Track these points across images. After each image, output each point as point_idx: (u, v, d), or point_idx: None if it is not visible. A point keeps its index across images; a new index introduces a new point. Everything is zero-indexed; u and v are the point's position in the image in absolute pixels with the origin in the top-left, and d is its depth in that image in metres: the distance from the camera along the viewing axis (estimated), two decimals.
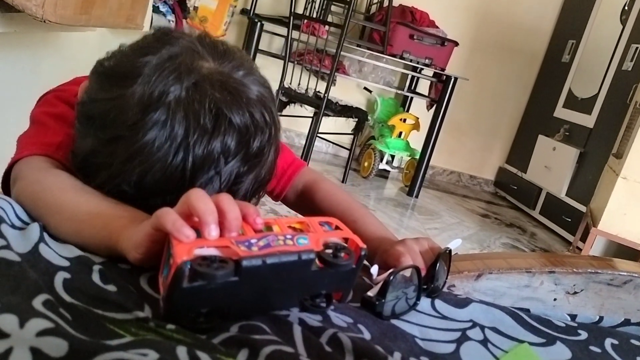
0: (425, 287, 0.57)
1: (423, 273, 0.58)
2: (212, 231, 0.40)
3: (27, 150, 0.58)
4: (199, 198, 0.41)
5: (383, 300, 0.52)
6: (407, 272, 0.56)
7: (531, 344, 0.55)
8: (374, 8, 3.59)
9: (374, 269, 0.59)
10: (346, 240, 0.47)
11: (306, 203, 0.78)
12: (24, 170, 0.57)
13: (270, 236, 0.42)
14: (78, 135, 0.55)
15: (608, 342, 0.60)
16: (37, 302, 0.37)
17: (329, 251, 0.44)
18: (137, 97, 0.51)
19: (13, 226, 0.48)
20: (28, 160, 0.58)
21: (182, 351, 0.35)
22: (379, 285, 0.53)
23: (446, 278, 0.62)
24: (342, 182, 3.08)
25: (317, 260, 0.43)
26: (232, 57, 0.57)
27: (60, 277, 0.42)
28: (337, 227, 0.48)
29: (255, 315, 0.44)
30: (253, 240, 0.41)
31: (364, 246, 0.45)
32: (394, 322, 0.53)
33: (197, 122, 0.51)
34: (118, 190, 0.52)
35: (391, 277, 0.52)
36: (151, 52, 0.53)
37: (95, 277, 0.44)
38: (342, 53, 2.87)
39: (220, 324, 0.42)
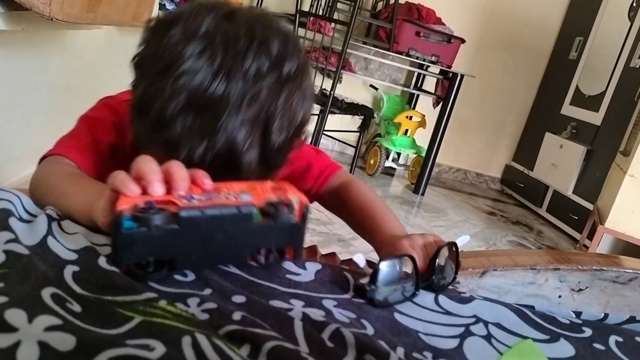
0: (426, 280, 0.58)
1: (423, 266, 0.59)
2: (156, 188, 0.43)
3: (53, 150, 0.67)
4: (143, 161, 0.45)
5: (373, 287, 0.53)
6: (408, 267, 0.56)
7: (535, 340, 0.55)
8: (380, 5, 3.58)
9: (357, 257, 0.59)
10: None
11: (339, 202, 0.81)
12: (42, 165, 0.65)
13: (214, 193, 0.44)
14: (133, 88, 0.61)
15: (612, 339, 0.60)
16: (46, 294, 0.37)
17: (271, 206, 0.45)
18: (179, 34, 0.56)
19: (21, 219, 0.48)
20: (50, 158, 0.65)
21: (187, 343, 0.35)
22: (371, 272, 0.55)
23: (455, 274, 0.62)
24: None
25: (259, 214, 0.44)
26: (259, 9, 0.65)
27: (69, 270, 0.43)
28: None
29: (206, 268, 0.47)
30: (196, 196, 0.43)
31: (307, 203, 0.46)
32: (397, 317, 0.53)
33: (234, 46, 0.56)
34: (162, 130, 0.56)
35: (380, 263, 0.53)
36: (189, 2, 0.61)
37: (103, 266, 0.45)
38: (348, 50, 2.86)
39: (170, 274, 0.45)
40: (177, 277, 0.47)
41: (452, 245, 0.62)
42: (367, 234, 0.74)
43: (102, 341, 0.34)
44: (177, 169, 0.45)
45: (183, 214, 0.41)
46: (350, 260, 0.60)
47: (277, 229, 0.45)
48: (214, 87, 0.54)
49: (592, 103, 3.21)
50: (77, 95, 1.82)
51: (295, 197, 0.47)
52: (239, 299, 0.46)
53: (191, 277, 0.48)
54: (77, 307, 0.38)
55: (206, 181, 0.46)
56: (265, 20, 0.60)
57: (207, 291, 0.46)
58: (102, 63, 1.97)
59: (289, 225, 0.46)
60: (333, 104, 2.92)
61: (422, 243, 0.63)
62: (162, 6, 2.23)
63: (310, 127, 3.54)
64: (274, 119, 0.58)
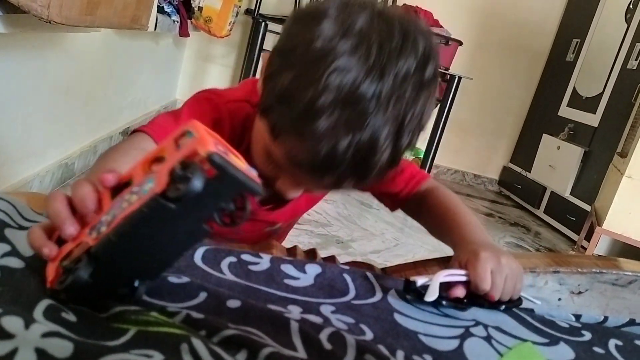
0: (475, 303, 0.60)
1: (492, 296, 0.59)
2: (66, 231, 0.40)
3: (144, 126, 0.66)
4: (47, 202, 0.42)
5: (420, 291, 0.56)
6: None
7: (534, 343, 0.56)
8: None
9: (420, 280, 0.58)
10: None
11: (422, 207, 0.81)
12: (124, 139, 0.66)
13: (117, 203, 0.40)
14: (272, 76, 0.60)
15: (612, 342, 0.60)
16: (38, 313, 0.37)
17: (175, 183, 0.37)
18: (332, 29, 0.56)
19: (20, 227, 0.48)
20: (135, 133, 0.65)
21: (185, 350, 0.35)
22: (432, 282, 0.56)
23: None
24: None
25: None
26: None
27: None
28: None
29: (176, 261, 0.44)
30: (103, 219, 0.40)
31: (211, 149, 0.37)
32: (397, 319, 0.53)
33: (389, 44, 0.55)
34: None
35: (437, 283, 0.56)
36: None
37: None
38: None
39: (147, 285, 0.42)
40: (172, 280, 0.47)
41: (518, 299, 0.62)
42: (447, 234, 0.72)
43: (100, 348, 0.34)
44: (74, 190, 0.42)
45: (98, 254, 0.39)
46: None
47: (203, 195, 0.37)
48: (365, 84, 0.54)
49: (589, 105, 3.22)
50: (77, 97, 1.81)
51: (195, 152, 0.37)
52: (234, 303, 0.46)
53: (185, 280, 0.48)
54: (72, 317, 0.38)
55: (109, 178, 0.41)
56: (412, 18, 0.60)
57: (203, 295, 0.46)
58: (101, 65, 1.97)
59: (211, 183, 0.37)
60: None
61: (506, 275, 0.60)
62: (160, 9, 2.23)
63: None
64: (409, 121, 0.58)
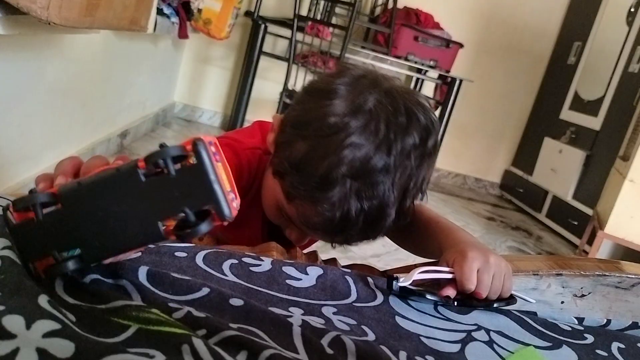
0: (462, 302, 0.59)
1: (479, 293, 0.60)
2: (56, 180, 0.42)
3: None
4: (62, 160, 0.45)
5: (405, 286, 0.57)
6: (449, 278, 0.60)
7: (537, 347, 0.55)
8: (378, 10, 3.59)
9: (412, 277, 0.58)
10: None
11: (405, 227, 0.80)
12: None
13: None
14: (286, 144, 0.66)
15: (614, 346, 0.59)
16: (43, 300, 0.36)
17: (154, 156, 0.37)
18: (345, 107, 0.63)
19: None
20: None
21: (186, 351, 0.34)
22: (412, 278, 0.57)
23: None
24: None
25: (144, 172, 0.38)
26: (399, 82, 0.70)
27: (59, 281, 0.42)
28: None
29: (122, 252, 0.41)
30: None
31: (201, 137, 0.37)
32: (399, 321, 0.53)
33: (395, 122, 0.62)
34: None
35: (416, 272, 0.57)
36: (346, 75, 0.68)
37: (94, 275, 0.44)
38: (346, 55, 2.87)
39: (78, 265, 0.40)
40: (174, 275, 0.47)
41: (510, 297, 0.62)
42: (433, 242, 0.72)
43: (101, 347, 0.33)
44: (89, 159, 0.44)
45: (60, 192, 0.38)
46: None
47: (173, 182, 0.37)
48: (375, 159, 0.60)
49: (591, 108, 3.22)
50: (75, 99, 1.81)
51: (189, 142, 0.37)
52: (237, 302, 0.45)
53: (189, 276, 0.48)
54: (71, 317, 0.38)
55: (120, 157, 0.43)
56: (413, 94, 0.67)
57: (206, 290, 0.46)
58: (99, 67, 1.97)
59: (186, 172, 0.37)
60: None
61: (494, 273, 0.61)
62: (159, 11, 2.23)
63: None
64: (412, 188, 0.64)
